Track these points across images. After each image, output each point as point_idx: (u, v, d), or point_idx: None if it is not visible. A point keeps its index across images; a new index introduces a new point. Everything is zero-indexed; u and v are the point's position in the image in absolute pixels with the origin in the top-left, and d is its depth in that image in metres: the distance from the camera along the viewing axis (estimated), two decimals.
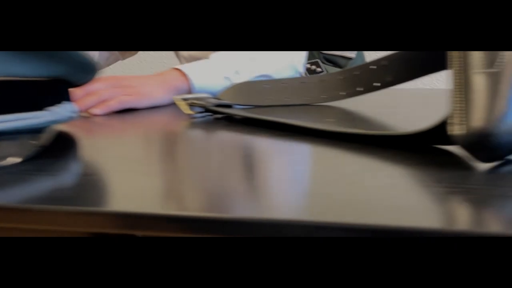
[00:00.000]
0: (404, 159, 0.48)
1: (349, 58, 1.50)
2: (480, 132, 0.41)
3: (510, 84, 0.43)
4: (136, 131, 0.69)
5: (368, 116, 0.77)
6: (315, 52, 1.55)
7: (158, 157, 0.55)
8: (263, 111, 0.77)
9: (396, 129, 0.50)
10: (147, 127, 0.72)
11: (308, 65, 1.52)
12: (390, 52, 0.73)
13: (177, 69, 0.84)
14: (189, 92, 0.84)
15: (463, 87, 0.44)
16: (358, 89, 0.76)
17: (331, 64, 1.55)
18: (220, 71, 0.85)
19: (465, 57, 0.45)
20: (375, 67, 0.74)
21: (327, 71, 1.51)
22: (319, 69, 1.49)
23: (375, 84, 0.75)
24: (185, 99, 0.71)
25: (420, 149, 0.49)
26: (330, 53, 1.57)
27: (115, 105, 0.75)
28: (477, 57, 0.44)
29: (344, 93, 0.77)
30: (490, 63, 0.44)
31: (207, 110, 0.69)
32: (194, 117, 0.71)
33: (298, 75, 0.96)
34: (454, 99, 0.44)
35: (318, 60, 1.56)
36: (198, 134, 0.65)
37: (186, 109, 0.71)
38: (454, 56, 0.46)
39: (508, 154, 0.45)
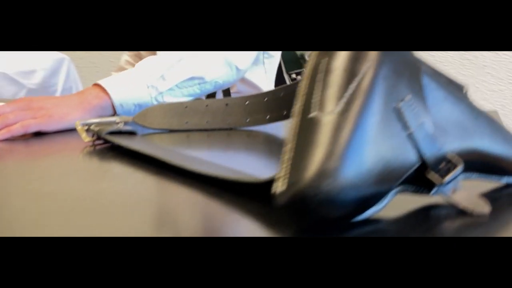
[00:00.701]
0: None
1: None
2: (300, 192, 0.33)
3: (353, 129, 0.34)
4: (18, 161, 0.63)
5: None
6: (302, 61, 1.46)
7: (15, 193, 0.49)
8: (176, 137, 0.70)
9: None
10: (37, 155, 0.66)
11: (294, 75, 1.43)
12: None
13: (98, 84, 0.77)
14: (113, 108, 0.77)
15: (295, 133, 0.35)
16: (283, 112, 0.68)
17: None
18: (143, 80, 0.78)
19: (307, 95, 0.37)
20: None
21: None
22: None
23: None
24: (85, 124, 0.65)
25: None
26: None
27: (17, 129, 0.69)
28: (323, 94, 0.36)
29: (269, 117, 0.69)
30: (333, 103, 0.35)
31: (99, 137, 0.63)
32: (95, 144, 0.64)
33: (239, 74, 0.87)
34: (285, 147, 0.35)
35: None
36: (78, 165, 0.59)
37: (85, 136, 0.65)
38: (298, 93, 0.37)
39: (358, 213, 0.36)
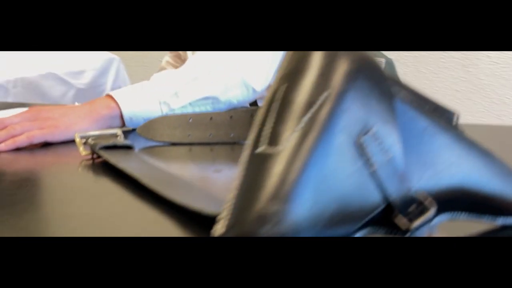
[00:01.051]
0: None
1: None
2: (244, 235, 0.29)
3: (303, 167, 0.31)
4: (12, 172, 0.63)
5: None
6: None
7: None
8: (178, 151, 0.68)
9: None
10: (33, 167, 0.66)
11: None
12: None
13: (109, 95, 0.76)
14: (121, 120, 0.76)
15: (242, 169, 0.32)
16: None
17: None
18: (155, 95, 0.76)
19: (260, 125, 0.33)
20: None
21: None
22: None
23: None
24: (83, 137, 0.64)
25: None
26: None
27: (23, 140, 0.69)
28: (274, 126, 0.32)
29: None
30: (284, 136, 0.32)
31: (93, 151, 0.61)
32: (94, 158, 0.63)
33: (254, 95, 0.83)
34: (234, 184, 0.32)
35: None
36: (67, 180, 0.57)
37: (82, 150, 0.63)
38: (255, 123, 0.34)
39: None
